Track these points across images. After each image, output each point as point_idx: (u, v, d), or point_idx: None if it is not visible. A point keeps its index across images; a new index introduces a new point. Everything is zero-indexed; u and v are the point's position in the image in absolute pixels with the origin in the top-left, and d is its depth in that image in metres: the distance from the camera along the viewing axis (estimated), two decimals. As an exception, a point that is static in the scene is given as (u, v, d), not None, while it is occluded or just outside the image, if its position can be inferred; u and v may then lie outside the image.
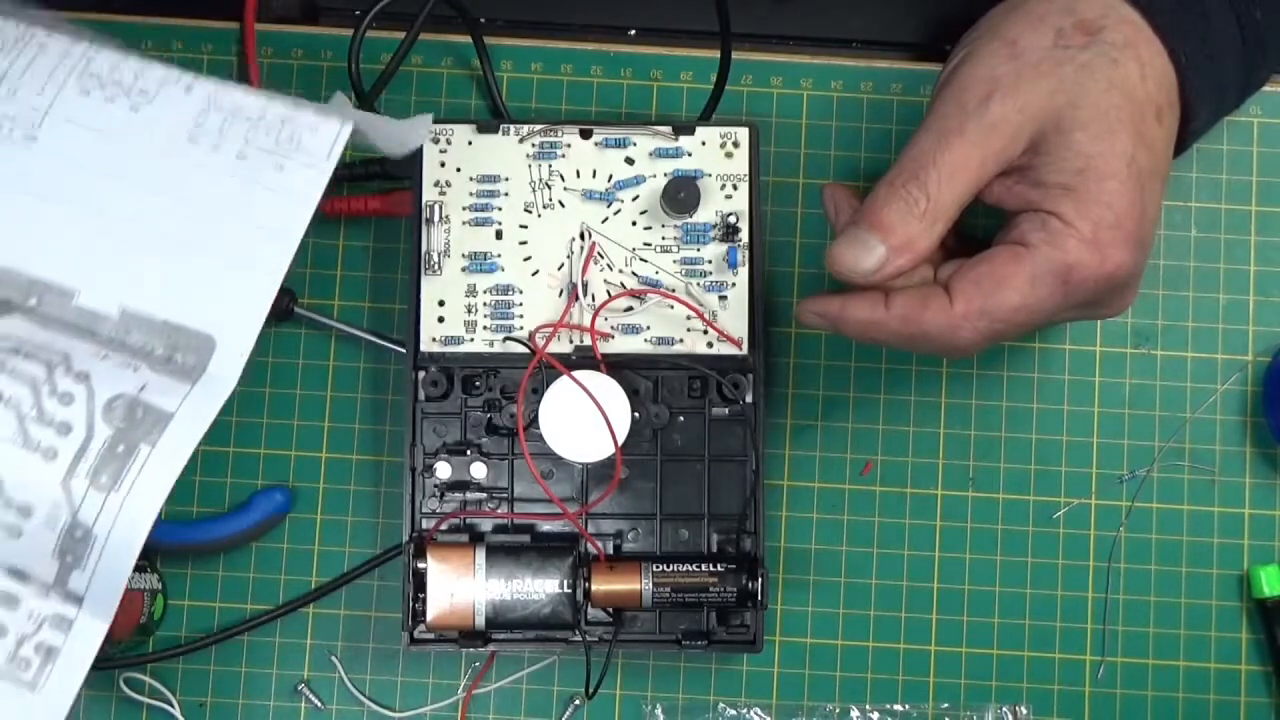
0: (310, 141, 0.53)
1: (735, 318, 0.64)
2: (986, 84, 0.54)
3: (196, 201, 0.53)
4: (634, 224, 0.64)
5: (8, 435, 0.50)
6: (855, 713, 0.66)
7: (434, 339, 0.64)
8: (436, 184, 0.64)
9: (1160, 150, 0.54)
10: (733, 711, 0.66)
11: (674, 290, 0.64)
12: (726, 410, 0.64)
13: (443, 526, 0.63)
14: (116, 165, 0.53)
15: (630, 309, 0.64)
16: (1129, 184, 0.52)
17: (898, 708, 0.66)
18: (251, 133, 0.53)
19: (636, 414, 0.63)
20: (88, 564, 0.50)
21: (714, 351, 0.64)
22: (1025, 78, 0.53)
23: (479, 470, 0.64)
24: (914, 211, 0.54)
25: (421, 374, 0.64)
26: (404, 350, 0.64)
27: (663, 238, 0.64)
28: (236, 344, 0.52)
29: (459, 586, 0.61)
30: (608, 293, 0.64)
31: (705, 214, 0.64)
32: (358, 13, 0.67)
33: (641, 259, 0.64)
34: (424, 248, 0.64)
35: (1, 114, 0.54)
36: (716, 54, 0.66)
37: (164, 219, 0.53)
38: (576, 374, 0.62)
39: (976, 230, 0.60)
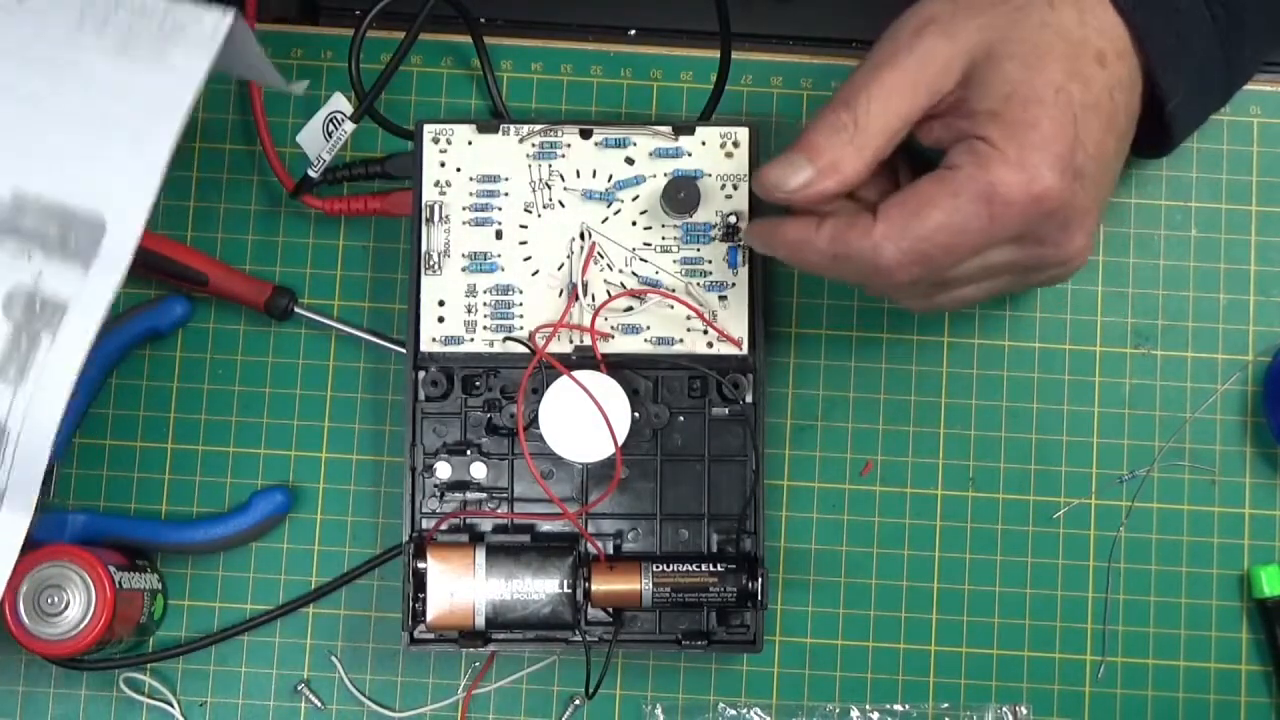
0: (194, 28, 0.53)
1: (735, 318, 0.64)
2: (922, 20, 0.55)
3: (84, 82, 0.53)
4: (634, 224, 0.64)
5: None
6: (855, 713, 0.66)
7: (434, 339, 0.64)
8: (436, 184, 0.64)
9: (1099, 90, 0.54)
10: (733, 711, 0.66)
11: (674, 290, 0.64)
12: (726, 410, 0.64)
13: (443, 526, 0.63)
14: (3, 50, 0.53)
15: (630, 309, 0.64)
16: (1057, 110, 0.53)
17: (898, 708, 0.66)
18: (137, 18, 0.53)
19: (636, 414, 0.63)
20: (3, 461, 0.50)
21: (714, 351, 0.64)
22: (960, 15, 0.54)
23: (479, 470, 0.64)
24: (841, 136, 0.54)
25: (421, 374, 0.64)
26: (404, 350, 0.64)
27: (663, 238, 0.64)
28: (127, 224, 0.52)
29: (459, 586, 0.61)
30: (608, 293, 0.64)
31: (705, 214, 0.64)
32: (358, 13, 0.67)
33: (641, 259, 0.64)
34: (424, 248, 0.64)
35: None
36: (716, 54, 0.66)
37: (52, 100, 0.53)
38: (576, 374, 0.62)
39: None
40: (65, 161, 0.52)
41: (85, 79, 0.53)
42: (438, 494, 0.64)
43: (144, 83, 0.53)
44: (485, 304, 0.64)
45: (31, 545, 0.64)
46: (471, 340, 0.64)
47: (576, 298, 0.63)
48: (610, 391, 0.62)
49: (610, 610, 0.63)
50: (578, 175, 0.64)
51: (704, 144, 0.64)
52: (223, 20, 0.53)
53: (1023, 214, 0.53)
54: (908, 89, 0.54)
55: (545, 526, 0.64)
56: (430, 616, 0.61)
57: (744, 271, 0.64)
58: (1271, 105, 0.70)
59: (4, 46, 0.53)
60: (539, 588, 0.61)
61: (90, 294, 0.51)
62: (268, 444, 0.68)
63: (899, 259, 0.53)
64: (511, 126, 0.64)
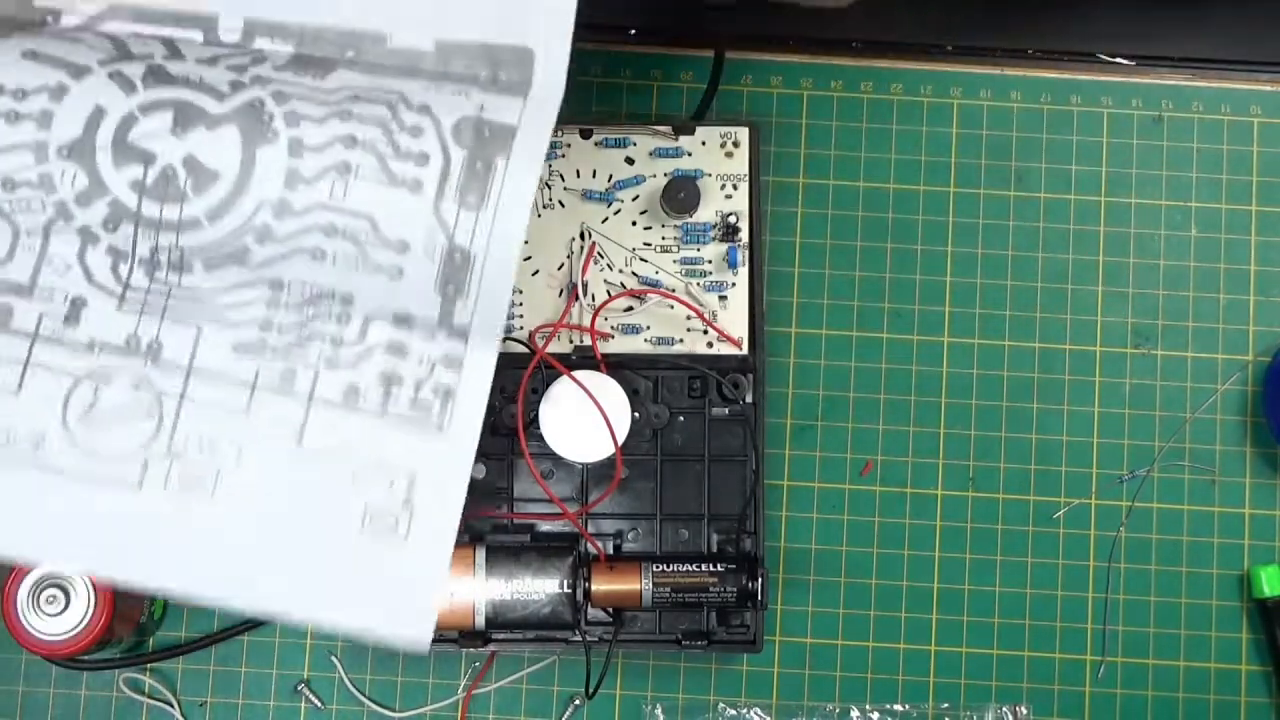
0: None
1: (735, 318, 0.64)
2: None
3: None
4: (634, 224, 0.64)
5: (372, 175, 0.51)
6: (855, 713, 0.66)
7: (434, 339, 0.64)
8: (436, 184, 0.64)
9: None
10: (733, 711, 0.66)
11: (674, 290, 0.64)
12: (726, 410, 0.64)
13: (443, 526, 0.63)
14: None
15: (630, 309, 0.64)
16: None
17: (898, 708, 0.66)
18: None
19: (636, 414, 0.63)
20: (469, 290, 0.51)
21: (714, 351, 0.64)
22: None
23: (479, 470, 0.64)
24: None
25: (421, 374, 0.64)
26: (404, 350, 0.64)
27: (663, 238, 0.64)
28: (554, 52, 0.53)
29: (459, 586, 0.61)
30: (608, 293, 0.64)
31: (705, 214, 0.64)
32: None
33: (641, 259, 0.64)
34: (424, 248, 0.64)
35: None
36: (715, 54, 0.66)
37: None
38: (576, 374, 0.62)
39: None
40: (478, 6, 0.54)
41: None
42: (438, 494, 0.64)
43: None
44: (485, 304, 0.64)
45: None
46: (471, 340, 0.64)
47: (576, 298, 0.63)
48: (610, 391, 0.62)
49: (610, 610, 0.63)
50: (578, 175, 0.64)
51: (704, 144, 0.64)
52: None
53: None
54: None
55: (545, 526, 0.64)
56: (430, 616, 0.61)
57: (744, 271, 0.64)
58: (1271, 105, 0.70)
59: None
60: (539, 588, 0.61)
61: (534, 119, 0.52)
62: (268, 444, 0.68)
63: None
64: (512, 126, 0.64)
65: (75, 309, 0.52)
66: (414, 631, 0.50)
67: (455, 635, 0.62)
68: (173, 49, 0.53)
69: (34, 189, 0.51)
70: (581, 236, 0.64)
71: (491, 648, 0.63)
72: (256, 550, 0.50)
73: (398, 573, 0.50)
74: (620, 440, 0.62)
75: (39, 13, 0.54)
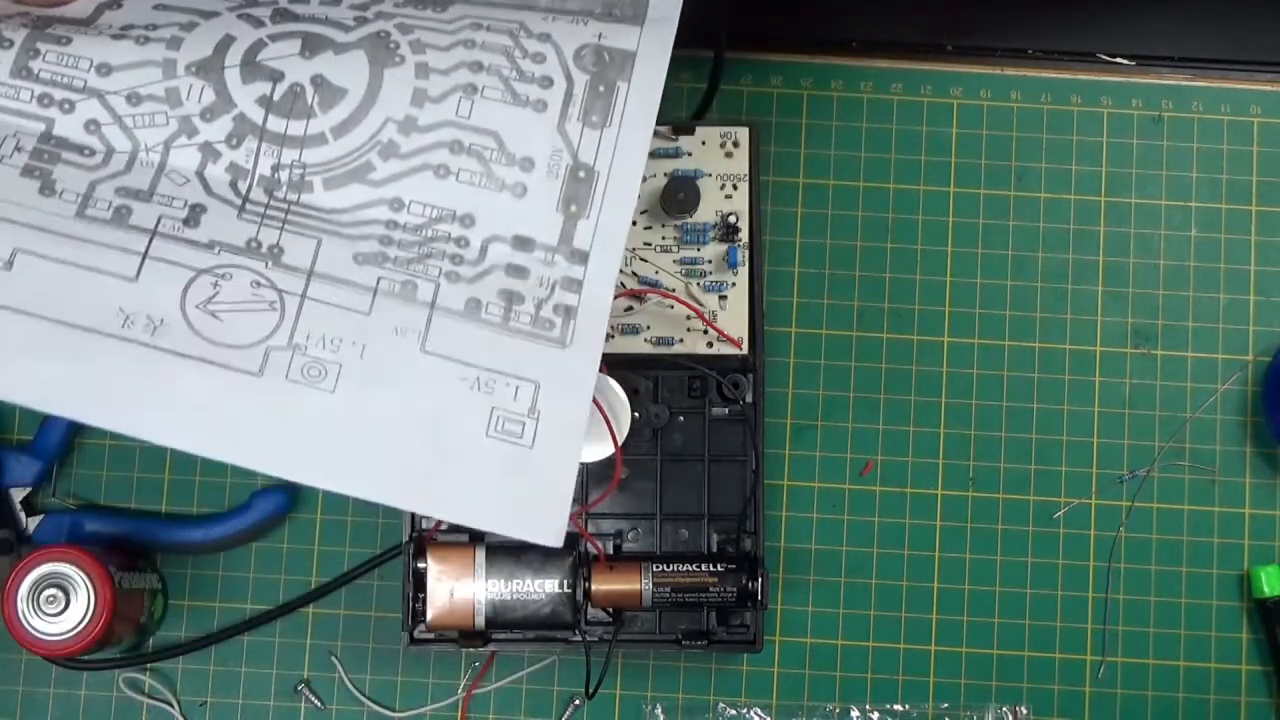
0: None
1: (735, 318, 0.64)
2: None
3: None
4: (634, 224, 0.64)
5: (498, 96, 0.52)
6: (855, 713, 0.66)
7: (434, 339, 0.64)
8: (437, 184, 0.64)
9: None
10: (733, 711, 0.66)
11: (674, 290, 0.64)
12: (726, 410, 0.64)
13: (443, 526, 0.63)
14: None
15: (630, 309, 0.64)
16: None
17: (898, 708, 0.66)
18: None
19: (636, 414, 0.63)
20: (591, 209, 0.52)
21: (714, 351, 0.64)
22: None
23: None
24: None
25: (421, 374, 0.64)
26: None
27: (662, 238, 0.64)
28: None
29: (459, 586, 0.61)
30: (608, 293, 0.64)
31: (705, 214, 0.64)
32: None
33: (641, 259, 0.64)
34: (424, 247, 0.64)
35: None
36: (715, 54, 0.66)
37: None
38: (576, 374, 0.62)
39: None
40: None
41: None
42: (438, 494, 0.64)
43: None
44: (485, 304, 0.64)
45: (31, 545, 0.64)
46: (472, 340, 0.64)
47: (576, 298, 0.63)
48: (610, 391, 0.62)
49: (610, 610, 0.63)
50: (578, 175, 0.64)
51: (704, 144, 0.64)
52: None
53: None
54: None
55: (545, 526, 0.64)
56: (430, 616, 0.61)
57: (744, 271, 0.64)
58: (1271, 105, 0.70)
59: None
60: (539, 588, 0.61)
61: (651, 45, 0.54)
62: (268, 444, 0.67)
63: None
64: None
65: (195, 214, 0.52)
66: (544, 535, 0.50)
67: (455, 635, 0.62)
68: None
69: (159, 103, 0.52)
70: (581, 236, 0.64)
71: (491, 648, 0.63)
72: (381, 444, 0.50)
73: (525, 477, 0.50)
74: (620, 440, 0.62)
75: None
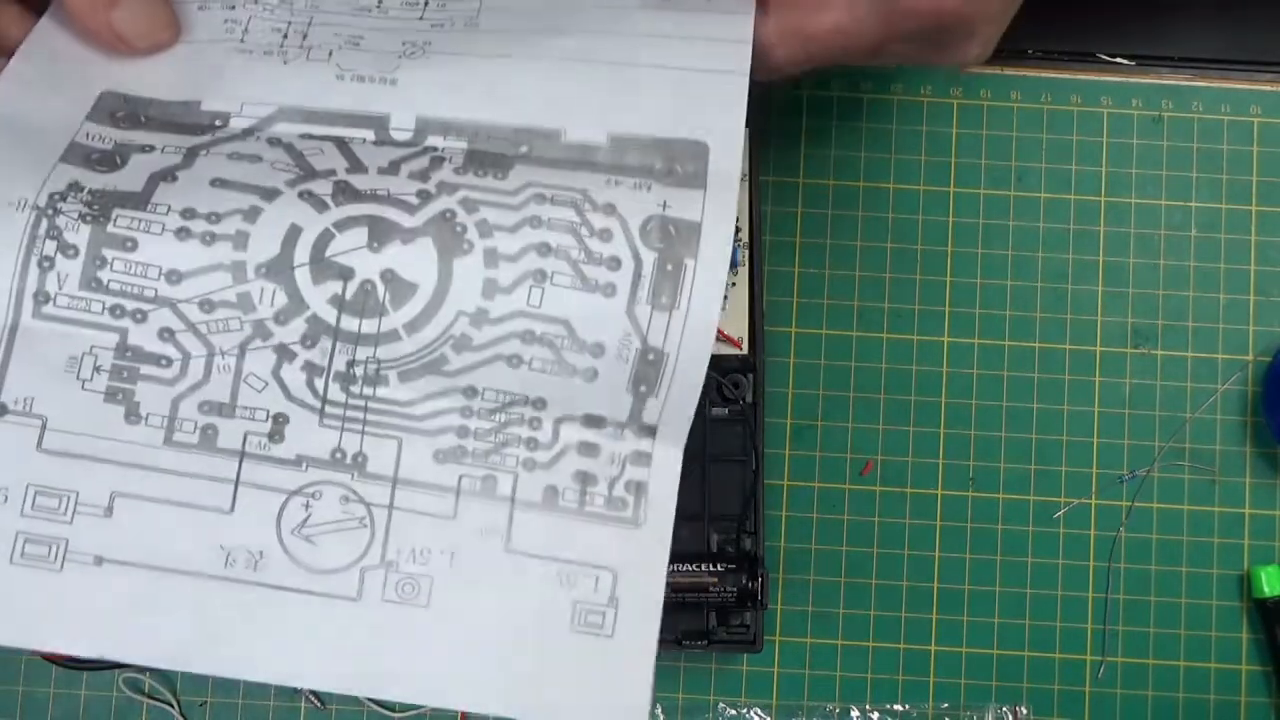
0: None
1: (735, 318, 0.64)
2: None
3: (640, 31, 0.55)
4: (634, 224, 0.64)
5: (567, 283, 0.51)
6: (855, 713, 0.66)
7: (434, 339, 0.64)
8: (437, 184, 0.64)
9: None
10: (733, 711, 0.66)
11: (674, 290, 0.64)
12: (726, 410, 0.64)
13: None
14: (555, 21, 0.55)
15: (630, 309, 0.64)
16: None
17: (898, 708, 0.66)
18: None
19: (636, 414, 0.63)
20: (660, 389, 0.52)
21: (714, 351, 0.64)
22: None
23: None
24: None
25: (421, 374, 0.64)
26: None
27: (663, 238, 0.64)
28: (727, 140, 0.53)
29: (459, 587, 0.61)
30: (608, 293, 0.64)
31: (705, 214, 0.64)
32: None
33: (641, 259, 0.64)
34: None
35: (441, 17, 0.56)
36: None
37: (612, 48, 0.55)
38: (576, 374, 0.62)
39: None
40: (646, 101, 0.54)
41: (640, 29, 0.55)
42: (438, 494, 0.64)
43: (699, 20, 0.55)
44: (485, 304, 0.64)
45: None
46: (472, 340, 0.64)
47: (576, 298, 0.63)
48: (610, 391, 0.62)
49: (610, 610, 0.63)
50: (578, 175, 0.64)
51: (704, 144, 0.64)
52: None
53: (921, 23, 0.51)
54: None
55: (545, 526, 0.64)
56: (430, 617, 0.61)
57: (744, 271, 0.64)
58: (1271, 105, 0.70)
59: (554, 16, 0.55)
60: (539, 588, 0.61)
61: (715, 212, 0.52)
62: (268, 444, 0.67)
63: (790, 60, 0.53)
64: (512, 126, 0.64)
65: (279, 425, 0.51)
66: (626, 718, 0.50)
67: (455, 636, 0.62)
68: (352, 159, 0.53)
69: (232, 309, 0.51)
70: (581, 236, 0.64)
71: (491, 648, 0.63)
72: (475, 655, 0.50)
73: (605, 670, 0.50)
74: (620, 440, 0.62)
75: (207, 116, 0.54)
